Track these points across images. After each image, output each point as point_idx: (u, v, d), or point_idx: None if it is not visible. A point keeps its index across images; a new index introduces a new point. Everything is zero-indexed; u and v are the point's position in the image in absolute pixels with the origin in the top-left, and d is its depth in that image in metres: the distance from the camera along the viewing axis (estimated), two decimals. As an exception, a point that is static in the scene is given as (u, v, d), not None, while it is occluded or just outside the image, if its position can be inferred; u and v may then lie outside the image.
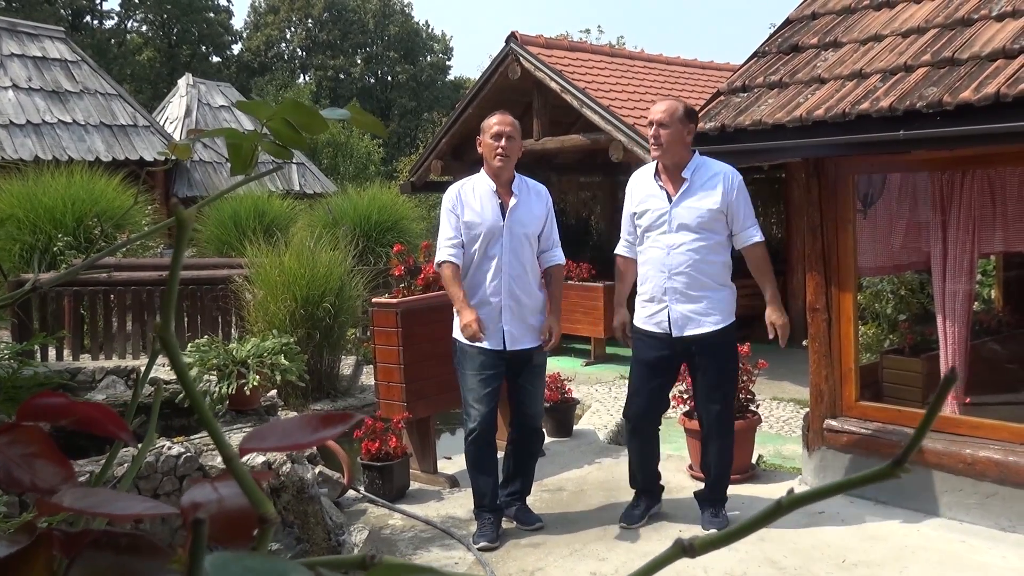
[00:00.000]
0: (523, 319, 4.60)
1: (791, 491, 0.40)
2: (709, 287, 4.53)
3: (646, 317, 4.65)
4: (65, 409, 0.50)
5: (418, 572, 0.34)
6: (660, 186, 4.59)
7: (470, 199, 4.59)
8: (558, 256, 4.78)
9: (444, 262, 4.57)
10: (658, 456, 4.90)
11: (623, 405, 5.07)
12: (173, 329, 0.43)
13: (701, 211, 4.48)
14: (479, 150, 4.69)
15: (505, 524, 4.76)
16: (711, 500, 4.77)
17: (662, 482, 4.95)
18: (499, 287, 4.54)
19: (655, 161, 4.64)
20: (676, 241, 4.50)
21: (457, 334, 4.62)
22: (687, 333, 4.54)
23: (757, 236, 4.60)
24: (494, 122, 4.63)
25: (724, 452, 4.71)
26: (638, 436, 4.80)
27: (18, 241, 9.19)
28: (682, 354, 4.66)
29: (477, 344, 4.53)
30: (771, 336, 4.67)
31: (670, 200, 4.54)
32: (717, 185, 4.52)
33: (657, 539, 4.58)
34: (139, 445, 0.64)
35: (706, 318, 4.53)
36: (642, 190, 4.67)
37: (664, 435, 6.48)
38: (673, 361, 4.71)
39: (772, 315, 4.64)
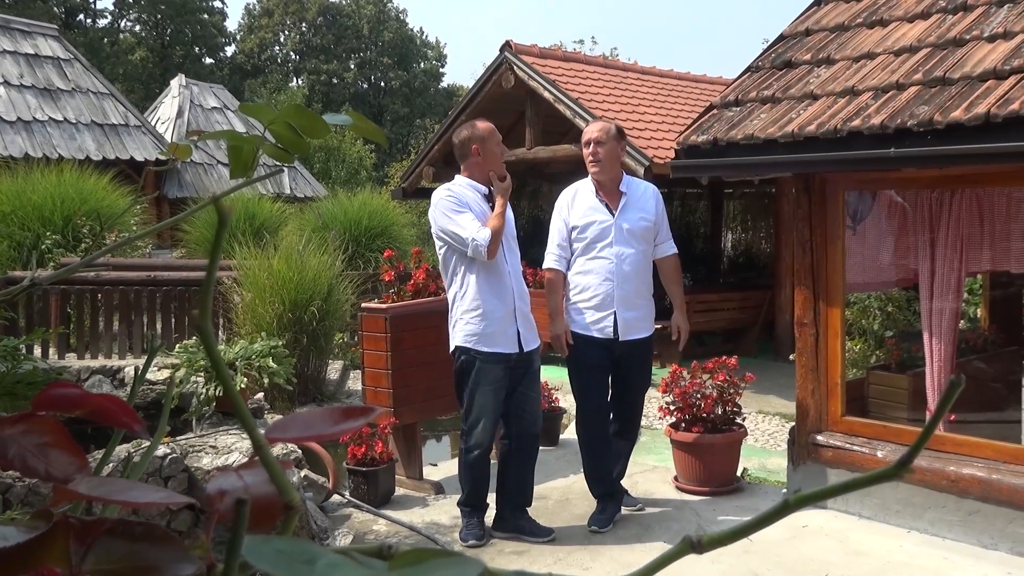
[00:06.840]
0: (528, 318, 4.67)
1: (798, 490, 0.41)
2: (646, 295, 4.84)
3: (588, 323, 4.77)
4: (80, 400, 0.51)
5: (443, 556, 0.34)
6: (600, 200, 4.77)
7: (472, 204, 4.51)
8: None
9: (480, 243, 4.38)
10: (612, 459, 5.02)
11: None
12: (210, 321, 0.44)
13: (641, 223, 4.77)
14: (476, 157, 4.57)
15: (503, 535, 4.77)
16: (618, 492, 4.98)
17: (623, 485, 5.10)
18: (512, 289, 4.58)
19: (589, 179, 4.85)
20: (623, 251, 4.70)
21: (465, 342, 4.52)
22: (630, 337, 4.75)
23: (674, 248, 5.00)
24: (489, 133, 4.61)
25: (630, 449, 5.09)
26: (593, 441, 4.94)
27: (6, 238, 9.17)
28: (618, 357, 4.81)
29: (497, 350, 4.50)
30: (674, 337, 5.02)
31: (612, 213, 4.74)
32: (650, 199, 4.86)
33: (641, 550, 4.58)
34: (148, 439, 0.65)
35: (643, 323, 4.83)
36: (582, 205, 4.81)
37: (650, 446, 6.53)
38: (610, 364, 4.87)
39: (679, 319, 5.01)
